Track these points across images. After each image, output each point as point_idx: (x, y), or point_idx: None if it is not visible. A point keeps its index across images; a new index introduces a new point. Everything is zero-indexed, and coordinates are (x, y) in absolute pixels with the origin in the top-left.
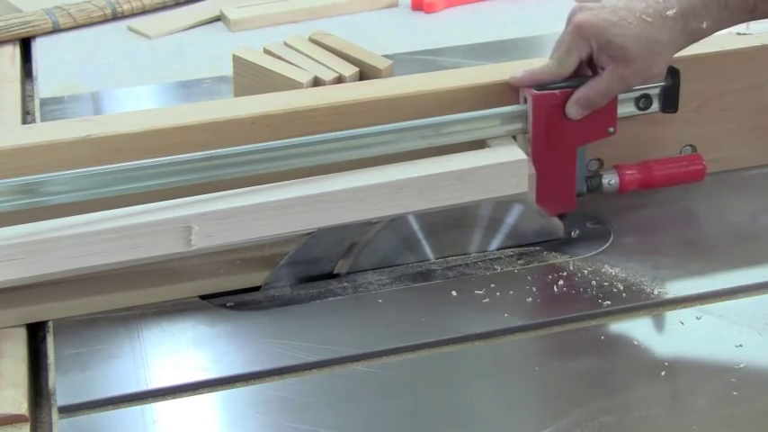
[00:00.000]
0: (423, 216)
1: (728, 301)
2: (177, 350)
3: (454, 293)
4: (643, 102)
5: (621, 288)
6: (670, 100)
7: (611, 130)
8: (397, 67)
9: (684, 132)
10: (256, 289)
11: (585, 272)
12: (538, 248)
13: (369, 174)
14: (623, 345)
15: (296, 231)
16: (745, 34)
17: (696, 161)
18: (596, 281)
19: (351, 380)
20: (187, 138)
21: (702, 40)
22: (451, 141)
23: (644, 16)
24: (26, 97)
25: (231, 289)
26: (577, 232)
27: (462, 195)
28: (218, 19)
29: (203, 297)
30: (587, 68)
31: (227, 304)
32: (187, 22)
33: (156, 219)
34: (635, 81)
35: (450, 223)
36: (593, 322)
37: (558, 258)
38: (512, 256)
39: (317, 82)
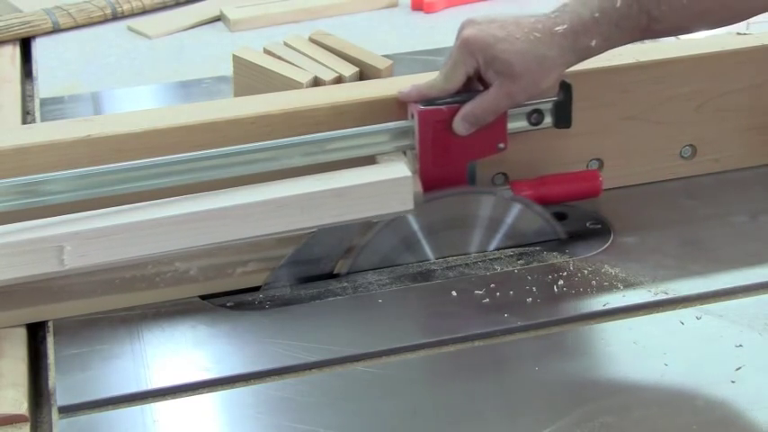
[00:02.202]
0: (423, 216)
1: (728, 301)
2: (177, 350)
3: (454, 293)
4: (535, 117)
5: (621, 288)
6: (563, 115)
7: (502, 146)
8: (397, 67)
9: (685, 132)
10: (256, 289)
11: (585, 272)
12: (538, 248)
13: (248, 192)
14: (623, 345)
15: (171, 251)
16: (745, 34)
17: (592, 177)
18: (596, 281)
19: (351, 380)
20: (187, 138)
21: (702, 41)
22: (336, 158)
23: (533, 32)
24: (26, 97)
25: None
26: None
27: (345, 213)
28: (218, 19)
29: (203, 297)
30: (478, 83)
31: (227, 304)
32: (187, 22)
33: (29, 237)
34: (522, 97)
35: (450, 223)
36: (593, 322)
37: (558, 258)
38: (512, 256)
39: (316, 82)
